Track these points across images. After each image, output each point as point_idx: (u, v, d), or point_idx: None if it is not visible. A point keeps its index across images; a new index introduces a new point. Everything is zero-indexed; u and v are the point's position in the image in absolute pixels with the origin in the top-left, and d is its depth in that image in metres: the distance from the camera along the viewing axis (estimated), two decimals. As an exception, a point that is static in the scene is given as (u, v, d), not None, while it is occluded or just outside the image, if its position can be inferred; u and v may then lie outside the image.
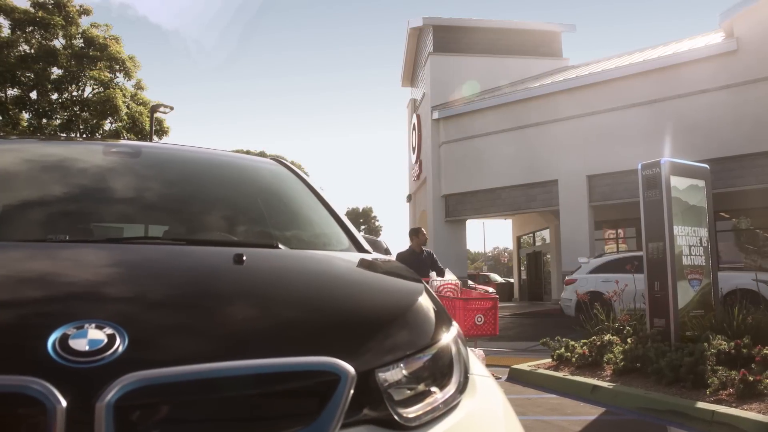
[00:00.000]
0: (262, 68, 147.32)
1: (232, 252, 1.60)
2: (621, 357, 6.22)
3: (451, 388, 1.41)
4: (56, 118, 20.71)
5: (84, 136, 20.88)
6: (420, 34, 28.05)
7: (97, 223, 2.05)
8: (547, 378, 6.56)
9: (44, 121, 20.46)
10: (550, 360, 7.30)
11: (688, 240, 7.05)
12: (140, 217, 2.23)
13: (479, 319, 6.04)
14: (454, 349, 1.50)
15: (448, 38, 25.45)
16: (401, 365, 1.34)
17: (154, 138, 20.27)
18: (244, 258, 1.56)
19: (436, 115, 23.85)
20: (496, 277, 35.40)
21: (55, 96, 20.63)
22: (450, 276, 6.74)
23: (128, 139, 21.03)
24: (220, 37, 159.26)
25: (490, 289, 7.00)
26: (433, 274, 6.72)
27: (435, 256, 7.98)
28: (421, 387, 1.36)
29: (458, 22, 25.76)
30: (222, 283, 1.47)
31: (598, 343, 6.75)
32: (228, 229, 2.17)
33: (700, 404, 4.76)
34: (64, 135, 18.80)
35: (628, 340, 6.65)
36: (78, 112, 20.77)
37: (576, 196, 19.46)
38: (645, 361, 5.91)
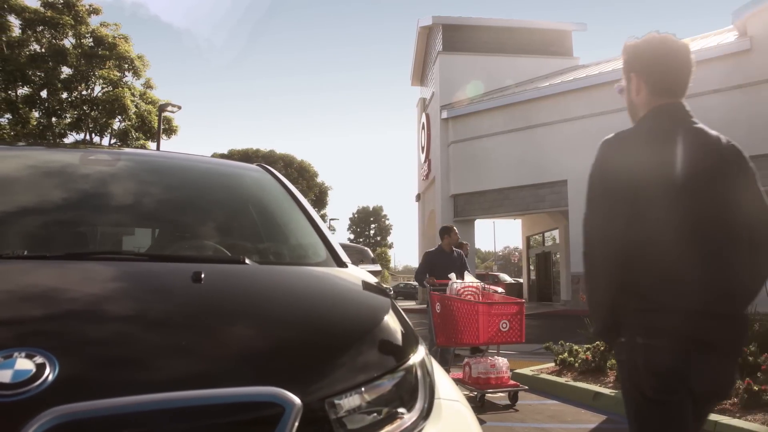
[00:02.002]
0: (272, 67, 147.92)
1: (192, 270, 1.53)
2: (624, 363, 6.11)
3: (413, 415, 1.34)
4: (65, 117, 20.83)
5: (92, 135, 20.99)
6: (430, 33, 27.95)
7: (63, 235, 1.98)
8: (549, 383, 6.47)
9: (54, 120, 20.59)
10: (553, 364, 7.20)
11: (695, 244, 6.92)
12: (109, 228, 2.17)
13: (504, 325, 5.73)
14: (419, 373, 1.43)
15: (457, 37, 25.33)
16: (358, 392, 1.27)
17: (163, 137, 20.33)
18: (203, 276, 1.50)
19: (445, 115, 23.75)
20: (506, 277, 35.20)
21: (64, 95, 20.75)
22: (470, 278, 6.48)
23: (137, 138, 21.12)
24: (229, 36, 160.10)
25: (500, 290, 6.83)
26: (452, 275, 6.45)
27: (465, 257, 7.65)
28: (380, 414, 1.29)
29: (468, 21, 25.63)
30: (172, 305, 1.41)
31: (602, 348, 6.64)
32: (199, 242, 2.10)
33: (703, 414, 4.65)
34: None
35: (633, 346, 6.55)
36: (87, 111, 20.87)
37: (585, 197, 19.28)
38: (648, 368, 5.80)
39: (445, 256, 7.45)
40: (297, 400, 1.13)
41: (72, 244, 1.90)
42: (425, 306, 7.07)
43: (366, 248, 2.80)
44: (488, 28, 25.57)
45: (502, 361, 5.88)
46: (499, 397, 5.96)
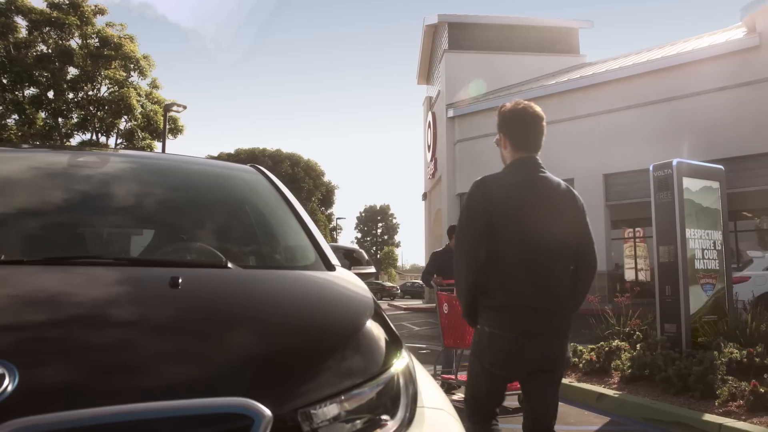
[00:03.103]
0: (278, 66, 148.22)
1: (170, 275, 1.49)
2: (628, 364, 6.05)
3: (393, 424, 1.30)
4: (71, 117, 20.90)
5: (98, 135, 21.06)
6: (435, 31, 27.86)
7: (44, 239, 1.93)
8: (552, 384, 6.41)
9: (60, 120, 20.66)
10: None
11: (702, 243, 6.84)
12: (94, 231, 2.13)
13: None
14: (401, 381, 1.39)
15: (463, 35, 25.23)
16: (335, 402, 1.23)
17: (169, 137, 20.37)
18: (180, 282, 1.46)
19: (450, 113, 23.66)
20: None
21: (71, 95, 20.82)
22: None
23: (143, 138, 21.17)
24: (235, 35, 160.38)
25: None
26: None
27: None
28: (358, 424, 1.25)
29: (474, 19, 25.53)
30: (144, 313, 1.36)
31: (606, 348, 6.58)
32: (185, 245, 2.06)
33: (708, 416, 4.59)
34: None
35: (638, 346, 6.47)
36: (94, 112, 20.94)
37: (592, 195, 19.12)
38: (653, 369, 5.74)
39: (452, 256, 7.23)
40: (267, 411, 1.09)
41: (52, 248, 1.86)
42: (434, 305, 6.88)
43: (361, 250, 2.77)
44: (494, 26, 25.46)
45: None
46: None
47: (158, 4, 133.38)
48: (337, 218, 50.18)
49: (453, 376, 6.07)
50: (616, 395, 5.55)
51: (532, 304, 2.42)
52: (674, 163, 6.79)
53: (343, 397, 1.25)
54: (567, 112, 20.02)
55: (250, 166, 2.69)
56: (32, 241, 1.87)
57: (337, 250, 2.42)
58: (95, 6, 21.16)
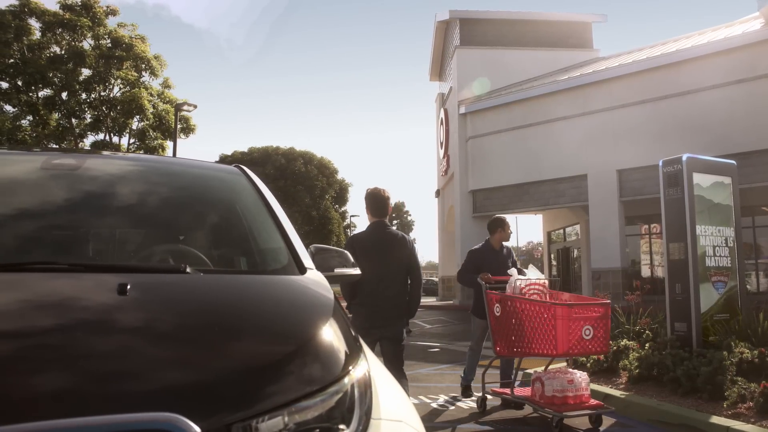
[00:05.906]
0: (291, 65, 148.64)
1: (120, 281, 1.43)
2: (636, 364, 5.92)
3: None
4: (84, 118, 21.06)
5: (111, 135, 21.20)
6: (447, 27, 27.68)
7: (2, 243, 1.89)
8: (559, 384, 6.29)
9: (73, 121, 20.83)
10: (564, 364, 7.02)
11: (713, 240, 6.68)
12: (62, 235, 2.07)
13: (587, 332, 4.69)
14: (356, 391, 1.32)
15: (474, 31, 25.03)
16: (278, 414, 1.16)
17: (181, 136, 20.44)
18: (128, 288, 1.40)
19: (462, 110, 23.50)
20: (527, 273, 34.63)
21: (83, 96, 20.98)
22: (535, 274, 5.47)
23: (155, 137, 21.27)
24: (248, 35, 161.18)
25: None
26: (513, 271, 5.47)
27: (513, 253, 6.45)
28: None
29: (485, 15, 25.32)
30: (80, 321, 1.30)
31: (614, 348, 6.45)
32: (151, 250, 2.00)
33: (715, 418, 4.46)
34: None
35: (646, 346, 6.34)
36: (106, 112, 21.08)
37: (606, 191, 18.90)
38: (661, 369, 5.61)
39: (493, 255, 6.04)
40: (195, 427, 1.03)
41: (8, 253, 1.81)
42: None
43: (346, 252, 2.74)
44: (506, 21, 25.23)
45: (580, 376, 4.84)
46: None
47: (173, 5, 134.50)
48: (351, 216, 50.09)
49: (508, 390, 5.31)
50: (623, 396, 5.44)
51: (376, 303, 4.40)
52: (684, 158, 6.63)
53: (293, 408, 1.19)
54: (579, 108, 19.78)
55: (234, 166, 2.63)
56: None
57: (321, 251, 2.35)
58: (107, 7, 21.32)
